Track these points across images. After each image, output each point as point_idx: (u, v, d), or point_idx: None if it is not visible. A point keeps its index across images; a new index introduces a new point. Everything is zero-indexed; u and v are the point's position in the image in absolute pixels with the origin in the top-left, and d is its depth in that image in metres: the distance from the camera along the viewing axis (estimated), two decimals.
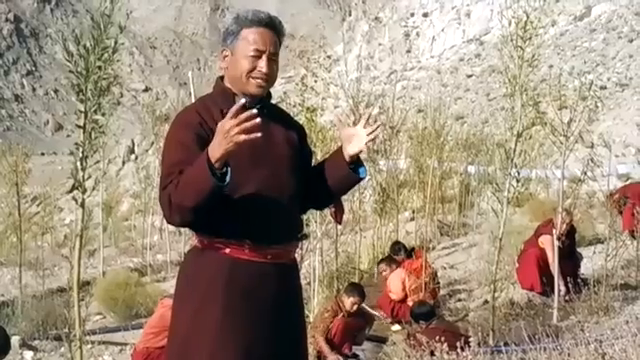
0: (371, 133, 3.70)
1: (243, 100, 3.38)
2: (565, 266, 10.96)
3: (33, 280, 19.29)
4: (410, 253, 12.90)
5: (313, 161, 4.10)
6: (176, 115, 3.79)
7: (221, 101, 3.68)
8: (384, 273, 12.63)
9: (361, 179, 3.86)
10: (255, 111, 3.25)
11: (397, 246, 13.33)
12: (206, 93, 3.87)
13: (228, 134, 3.19)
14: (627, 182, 18.54)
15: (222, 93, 3.74)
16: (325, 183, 3.84)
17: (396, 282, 12.15)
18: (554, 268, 10.84)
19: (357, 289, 10.05)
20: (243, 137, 3.19)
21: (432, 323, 8.98)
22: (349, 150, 3.72)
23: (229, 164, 3.30)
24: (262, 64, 3.63)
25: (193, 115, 3.64)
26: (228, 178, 3.30)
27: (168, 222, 3.62)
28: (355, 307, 9.84)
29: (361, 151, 3.71)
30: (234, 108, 3.24)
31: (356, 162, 3.79)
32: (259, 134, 3.22)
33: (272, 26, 3.71)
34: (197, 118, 3.60)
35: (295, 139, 3.85)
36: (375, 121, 3.79)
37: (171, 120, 3.84)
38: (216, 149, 3.24)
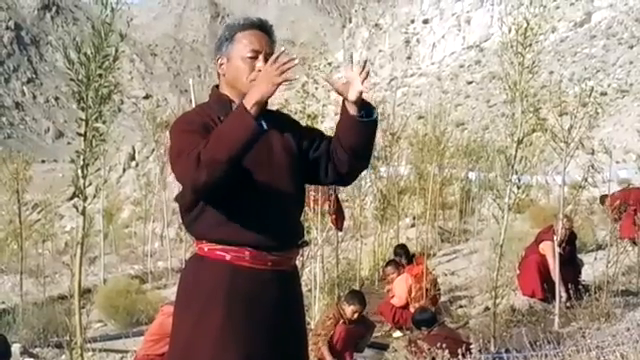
0: (362, 71, 3.60)
1: (283, 48, 3.40)
2: (566, 272, 10.95)
3: (34, 287, 19.31)
4: (411, 259, 12.87)
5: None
6: (175, 120, 3.78)
7: (218, 108, 3.67)
8: (391, 276, 12.59)
9: (371, 121, 3.67)
10: (294, 56, 3.30)
11: (399, 249, 13.27)
12: (203, 102, 3.87)
13: (268, 75, 3.26)
14: (628, 187, 18.46)
15: (218, 101, 3.73)
16: (343, 144, 3.71)
17: (402, 287, 12.13)
18: (555, 274, 10.83)
19: (357, 297, 10.00)
20: (282, 77, 3.24)
21: (433, 330, 8.97)
22: (350, 97, 3.59)
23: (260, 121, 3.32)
24: (260, 64, 3.61)
25: (194, 116, 3.67)
26: (265, 125, 3.34)
27: (193, 186, 3.42)
28: (356, 315, 9.81)
29: (362, 92, 3.58)
30: (276, 54, 3.31)
31: (365, 107, 3.66)
32: (296, 76, 3.28)
33: (265, 29, 3.72)
34: (199, 118, 3.60)
35: (293, 142, 3.80)
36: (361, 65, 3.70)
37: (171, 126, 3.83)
38: (254, 93, 3.29)
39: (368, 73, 3.64)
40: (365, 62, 3.66)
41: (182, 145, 3.44)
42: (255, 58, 3.63)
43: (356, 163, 3.82)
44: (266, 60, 3.59)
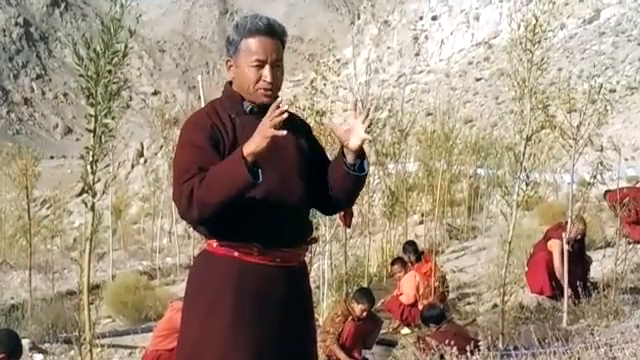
0: (366, 119, 3.64)
1: (280, 99, 3.44)
2: (575, 270, 10.91)
3: (43, 283, 19.37)
4: (420, 256, 12.84)
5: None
6: (187, 118, 3.80)
7: (230, 106, 3.69)
8: (398, 274, 12.59)
9: (360, 176, 3.74)
10: (285, 107, 3.34)
11: (409, 246, 13.22)
12: (215, 97, 3.88)
13: (263, 128, 3.31)
14: (635, 184, 18.34)
15: (230, 98, 3.74)
16: (334, 187, 3.80)
17: (409, 285, 12.12)
18: (560, 272, 10.80)
19: (366, 296, 9.98)
20: (272, 131, 3.28)
21: (442, 326, 8.96)
22: (351, 145, 3.63)
23: (259, 165, 3.36)
24: (266, 73, 3.62)
25: (204, 118, 3.65)
26: (261, 176, 3.36)
27: (183, 217, 3.58)
28: (365, 314, 9.81)
29: (364, 141, 3.64)
30: (273, 106, 3.35)
31: (361, 157, 3.71)
32: (284, 132, 3.31)
33: (271, 32, 3.68)
34: (208, 121, 3.61)
35: (303, 142, 3.85)
36: (363, 107, 3.72)
37: (180, 123, 3.86)
38: (251, 144, 3.33)
39: (370, 118, 3.68)
40: (367, 108, 3.70)
41: (184, 163, 3.52)
42: (261, 67, 3.63)
43: (340, 204, 4.00)
44: (272, 68, 3.63)
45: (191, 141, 3.57)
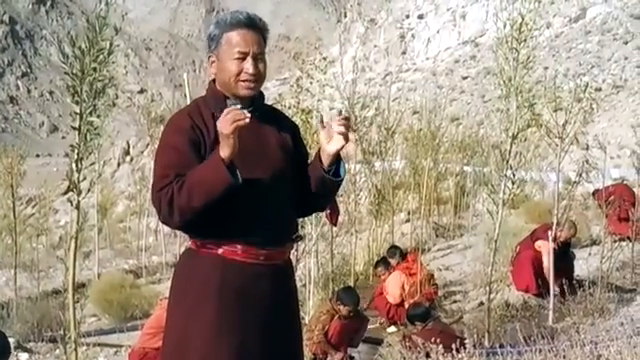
0: (341, 125, 3.63)
1: (233, 104, 3.45)
2: (559, 266, 10.95)
3: (28, 282, 19.26)
4: (404, 257, 12.87)
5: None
6: (169, 119, 3.80)
7: (213, 104, 3.68)
8: (382, 276, 12.62)
9: (334, 181, 3.76)
10: (239, 106, 3.39)
11: (393, 250, 13.27)
12: (200, 95, 3.87)
13: (223, 129, 3.32)
14: (619, 183, 18.33)
15: (214, 96, 3.73)
16: (310, 188, 3.82)
17: (394, 285, 12.14)
18: (548, 273, 10.84)
19: (350, 295, 9.97)
20: (233, 126, 3.30)
21: (428, 325, 8.98)
22: (328, 149, 3.66)
23: (237, 166, 3.37)
24: (248, 65, 3.62)
25: (185, 119, 3.64)
26: (240, 177, 3.38)
27: (165, 222, 3.60)
28: (351, 314, 9.82)
29: (341, 146, 3.63)
30: (226, 110, 3.36)
31: (338, 162, 3.74)
32: (247, 119, 3.33)
33: (252, 25, 3.68)
34: (189, 122, 3.61)
35: (289, 140, 3.84)
36: (341, 114, 3.71)
37: (166, 121, 3.84)
38: (224, 148, 3.35)
39: (349, 127, 3.69)
40: (347, 118, 3.70)
41: (162, 168, 3.54)
42: (243, 59, 3.62)
43: (314, 207, 4.08)
44: (254, 60, 3.62)
45: (170, 144, 3.58)
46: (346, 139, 3.63)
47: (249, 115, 3.35)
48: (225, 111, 3.36)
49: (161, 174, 3.49)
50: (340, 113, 3.70)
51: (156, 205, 3.49)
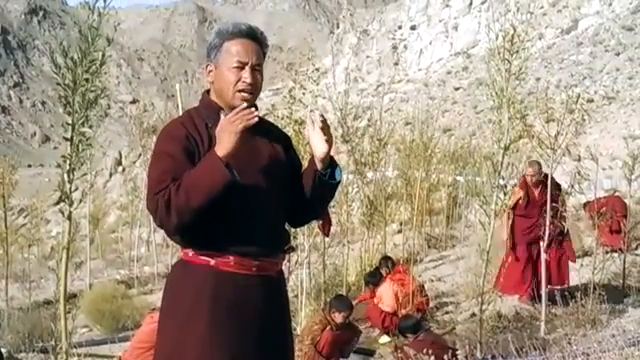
0: (321, 129, 3.64)
1: (245, 104, 3.47)
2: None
3: (19, 292, 19.21)
4: (394, 266, 12.90)
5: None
6: (162, 128, 3.79)
7: (206, 115, 3.68)
8: (374, 288, 12.64)
9: (330, 182, 3.77)
10: (245, 105, 3.43)
11: (385, 261, 13.29)
12: (193, 106, 3.87)
13: (230, 126, 3.33)
14: (611, 195, 18.39)
15: (208, 107, 3.73)
16: (306, 194, 3.81)
17: (388, 293, 12.13)
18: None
19: (344, 302, 10.00)
20: (242, 125, 3.33)
21: (419, 336, 8.97)
22: (316, 153, 3.68)
23: (231, 166, 3.37)
24: (246, 75, 3.62)
25: (179, 128, 3.64)
26: (236, 175, 3.38)
27: (161, 225, 3.55)
28: (346, 320, 9.82)
29: (327, 151, 3.65)
30: (237, 109, 3.39)
31: (332, 166, 3.74)
32: (256, 119, 3.37)
33: (254, 37, 3.70)
34: (183, 131, 3.60)
35: (281, 151, 3.84)
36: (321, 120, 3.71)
37: (158, 132, 3.83)
38: (223, 144, 3.36)
39: (327, 130, 3.69)
40: (323, 120, 3.70)
41: (158, 174, 3.52)
42: (242, 69, 3.63)
43: (310, 214, 4.05)
44: (253, 70, 3.62)
45: (165, 152, 3.56)
46: (329, 143, 3.65)
47: (258, 114, 3.38)
48: (235, 110, 3.38)
49: (157, 179, 3.48)
50: (310, 117, 3.72)
51: (153, 208, 3.46)
